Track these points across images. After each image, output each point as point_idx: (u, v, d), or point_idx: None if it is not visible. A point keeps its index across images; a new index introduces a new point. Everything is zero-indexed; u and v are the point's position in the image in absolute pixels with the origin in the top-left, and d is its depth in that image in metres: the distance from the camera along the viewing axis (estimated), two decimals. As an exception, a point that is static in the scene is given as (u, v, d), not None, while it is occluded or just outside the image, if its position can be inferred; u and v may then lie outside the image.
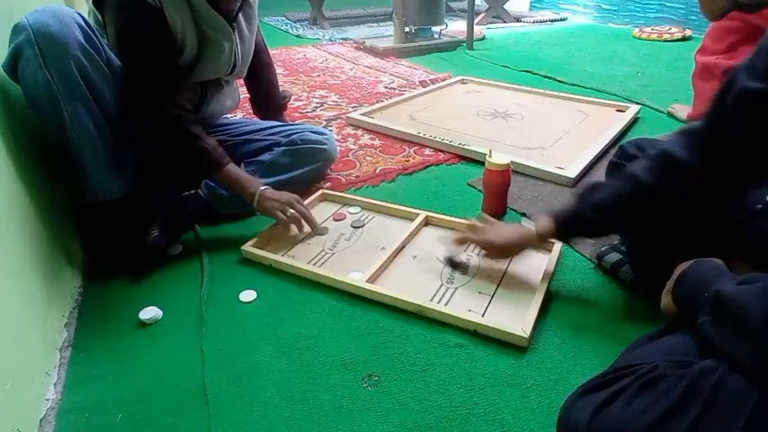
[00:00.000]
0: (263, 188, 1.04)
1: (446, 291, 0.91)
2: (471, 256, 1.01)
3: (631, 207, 0.75)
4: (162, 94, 0.98)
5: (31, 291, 0.77)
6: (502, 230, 0.91)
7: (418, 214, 1.12)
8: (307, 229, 1.07)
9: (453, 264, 0.97)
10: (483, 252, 0.95)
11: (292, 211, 1.04)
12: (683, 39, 2.94)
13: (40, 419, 0.68)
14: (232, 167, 1.04)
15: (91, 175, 0.94)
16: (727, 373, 0.49)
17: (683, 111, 1.70)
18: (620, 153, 0.91)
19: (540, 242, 0.89)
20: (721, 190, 0.66)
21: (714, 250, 0.66)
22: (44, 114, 0.87)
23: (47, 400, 0.71)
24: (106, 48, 0.94)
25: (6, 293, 0.69)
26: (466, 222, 1.01)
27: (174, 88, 1.01)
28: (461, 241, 0.95)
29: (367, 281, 0.91)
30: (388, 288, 0.90)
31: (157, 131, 1.00)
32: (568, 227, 0.83)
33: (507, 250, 0.91)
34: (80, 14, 0.89)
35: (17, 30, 0.83)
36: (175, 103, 1.00)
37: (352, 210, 1.18)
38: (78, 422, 0.69)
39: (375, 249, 1.03)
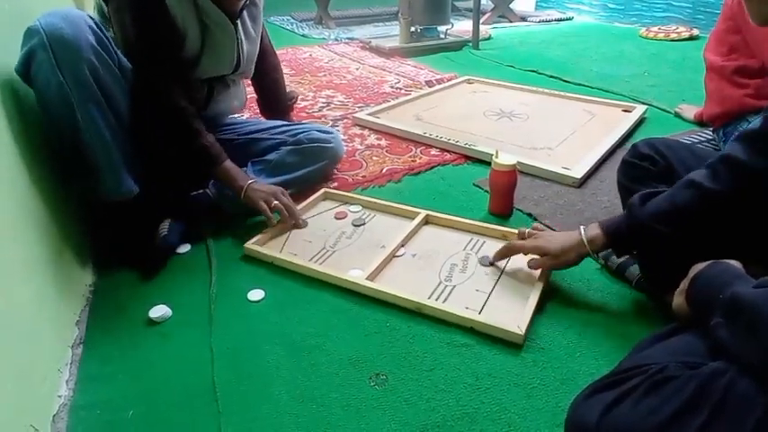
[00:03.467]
0: (250, 181, 1.07)
1: (444, 288, 0.92)
2: (470, 254, 1.01)
3: (699, 216, 0.72)
4: (165, 84, 0.99)
5: (42, 289, 0.78)
6: (556, 239, 0.87)
7: (418, 213, 1.12)
8: (291, 222, 1.10)
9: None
10: (531, 258, 0.91)
11: (276, 202, 1.07)
12: (691, 38, 2.93)
13: (53, 416, 0.69)
14: (228, 164, 1.06)
15: (103, 176, 0.95)
16: (738, 375, 0.49)
17: (691, 111, 1.70)
18: (633, 152, 0.90)
19: (593, 252, 0.85)
20: None
21: (740, 252, 0.65)
22: (57, 117, 0.89)
23: (59, 396, 0.72)
24: (117, 50, 0.95)
25: (19, 291, 0.70)
26: (515, 231, 0.99)
27: (178, 80, 1.02)
28: (512, 250, 0.93)
29: (367, 278, 0.92)
30: (387, 285, 0.91)
31: (159, 123, 1.02)
32: (623, 239, 0.80)
33: (562, 259, 0.86)
34: (91, 16, 0.90)
35: (30, 33, 0.83)
36: (180, 95, 1.01)
37: (353, 208, 1.19)
38: (90, 418, 0.70)
39: (376, 247, 1.04)
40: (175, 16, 0.98)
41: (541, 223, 1.12)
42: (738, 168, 0.68)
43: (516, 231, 0.99)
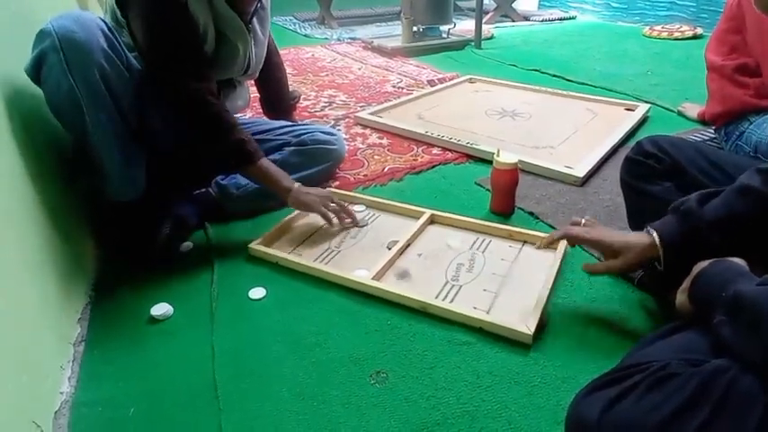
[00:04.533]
0: (297, 185, 1.06)
1: (451, 288, 0.92)
2: (477, 253, 1.01)
3: (756, 223, 0.69)
4: (196, 81, 0.97)
5: (45, 287, 0.78)
6: (620, 235, 0.78)
7: (423, 212, 1.12)
8: (348, 221, 1.10)
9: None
10: (592, 264, 0.82)
11: (333, 204, 1.07)
12: (694, 37, 2.92)
13: (55, 412, 0.69)
14: (266, 161, 1.04)
15: (109, 178, 0.95)
16: (740, 373, 0.49)
17: (694, 110, 1.69)
18: (637, 149, 0.89)
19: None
20: None
21: (745, 250, 0.64)
22: (66, 119, 0.89)
23: (61, 393, 0.73)
24: (127, 52, 0.95)
25: (22, 289, 0.71)
26: (534, 234, 0.94)
27: (206, 77, 1.01)
28: (572, 238, 0.83)
29: (372, 278, 0.92)
30: (393, 285, 0.91)
31: (192, 120, 0.99)
32: (678, 246, 0.72)
33: (628, 258, 0.76)
34: (102, 19, 0.90)
35: (42, 35, 0.84)
36: (210, 91, 1.00)
37: (357, 208, 1.19)
38: (91, 415, 0.70)
39: (380, 247, 1.04)
40: (197, 18, 0.97)
41: (543, 222, 1.12)
42: None
43: (532, 232, 0.95)
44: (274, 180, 1.04)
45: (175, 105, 0.98)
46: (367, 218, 1.16)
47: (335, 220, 1.07)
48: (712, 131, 1.50)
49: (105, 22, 0.90)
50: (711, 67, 1.39)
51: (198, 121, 0.99)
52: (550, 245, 0.88)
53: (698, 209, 0.71)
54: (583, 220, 0.86)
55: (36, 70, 0.85)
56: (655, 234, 0.74)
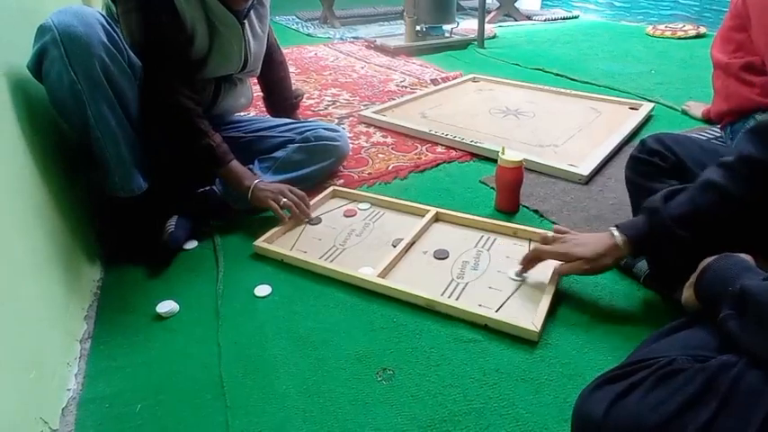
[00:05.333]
0: (256, 181, 1.07)
1: (457, 285, 0.91)
2: (482, 251, 1.01)
3: (720, 219, 0.70)
4: (174, 84, 0.99)
5: (51, 284, 0.79)
6: (588, 242, 0.81)
7: (428, 210, 1.12)
8: (300, 215, 1.10)
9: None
10: (560, 264, 0.85)
11: (285, 200, 1.07)
12: (698, 36, 2.91)
13: (62, 408, 0.70)
14: (234, 164, 1.06)
15: (112, 173, 0.95)
16: (746, 368, 0.49)
17: (698, 108, 1.69)
18: (641, 147, 0.89)
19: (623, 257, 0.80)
20: None
21: (751, 246, 0.64)
22: (68, 114, 0.89)
23: (68, 390, 0.73)
24: (128, 47, 0.95)
25: (28, 287, 0.71)
26: (539, 232, 0.94)
27: (186, 80, 1.03)
28: (537, 258, 0.88)
29: (378, 276, 0.92)
30: (398, 283, 0.91)
31: (166, 123, 1.02)
32: (645, 243, 0.76)
33: (599, 264, 0.80)
34: (102, 14, 0.90)
35: (42, 30, 0.84)
36: (187, 95, 1.01)
37: (362, 206, 1.19)
38: (98, 412, 0.71)
39: (386, 245, 1.04)
40: (184, 17, 0.98)
41: (548, 220, 1.12)
42: (757, 166, 0.66)
43: (537, 230, 0.95)
44: (238, 181, 1.06)
45: (154, 104, 1.00)
46: (373, 215, 1.15)
47: (285, 218, 1.08)
48: (717, 130, 1.49)
49: (105, 17, 0.91)
50: (717, 66, 1.38)
51: (170, 122, 1.02)
52: (529, 266, 0.90)
53: (662, 206, 0.73)
54: (550, 236, 0.88)
55: (37, 65, 0.86)
56: (618, 235, 0.78)
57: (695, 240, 0.71)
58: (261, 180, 1.08)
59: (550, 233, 0.89)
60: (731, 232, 0.71)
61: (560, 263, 0.85)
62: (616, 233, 0.79)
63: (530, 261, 0.89)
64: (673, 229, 0.72)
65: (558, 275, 0.89)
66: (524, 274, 0.92)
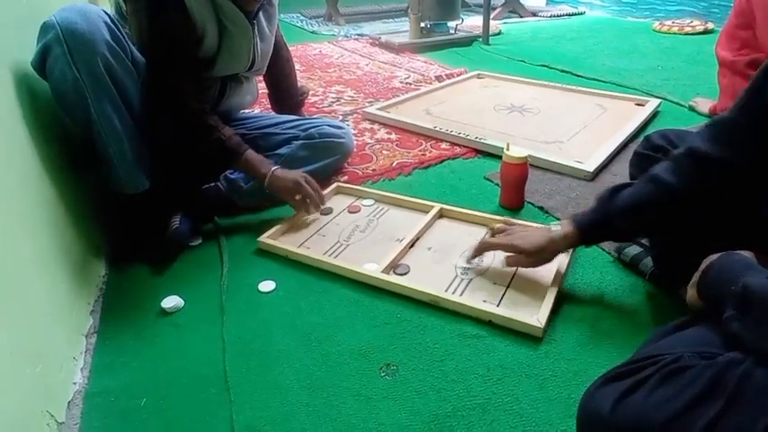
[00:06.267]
0: (273, 168, 1.06)
1: (461, 282, 0.91)
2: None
3: (660, 212, 0.72)
4: (181, 84, 0.99)
5: (57, 279, 0.79)
6: (530, 237, 0.85)
7: (432, 206, 1.12)
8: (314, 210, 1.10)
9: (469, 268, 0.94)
10: (507, 255, 0.88)
11: (298, 197, 1.06)
12: (705, 32, 2.88)
13: (68, 402, 0.70)
14: (250, 154, 1.05)
15: (116, 170, 0.96)
16: (754, 366, 0.48)
17: (705, 104, 1.67)
18: (645, 144, 0.89)
19: (565, 248, 0.85)
20: (759, 185, 0.63)
21: (745, 244, 0.64)
22: (72, 111, 0.90)
23: (74, 383, 0.73)
24: (131, 44, 0.96)
25: (35, 282, 0.72)
26: (490, 224, 0.97)
27: (194, 80, 1.03)
28: (485, 248, 0.91)
29: (382, 272, 0.92)
30: (403, 278, 0.91)
31: (175, 123, 1.02)
32: (592, 234, 0.80)
33: (537, 257, 0.85)
34: (105, 12, 0.91)
35: (45, 28, 0.84)
36: (194, 95, 1.01)
37: (366, 202, 1.19)
38: (104, 405, 0.71)
39: (390, 241, 1.04)
40: (194, 17, 0.98)
41: (553, 216, 1.12)
42: (701, 161, 0.66)
43: (540, 227, 0.95)
44: (254, 168, 1.05)
45: (162, 104, 1.00)
46: (377, 210, 1.15)
47: (300, 211, 1.09)
48: (724, 126, 1.48)
49: (109, 15, 0.91)
50: (723, 63, 1.37)
51: (180, 121, 1.01)
52: (476, 256, 0.93)
53: (609, 198, 0.76)
54: (497, 227, 0.93)
55: (41, 63, 0.86)
56: (558, 228, 0.82)
57: (634, 232, 0.77)
58: (278, 168, 1.06)
59: (498, 225, 0.93)
60: (680, 226, 0.72)
61: (508, 255, 0.88)
62: (554, 226, 0.83)
63: (477, 251, 0.91)
64: (614, 220, 0.75)
65: (563, 270, 0.89)
66: (473, 263, 0.94)
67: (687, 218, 0.71)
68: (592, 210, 0.80)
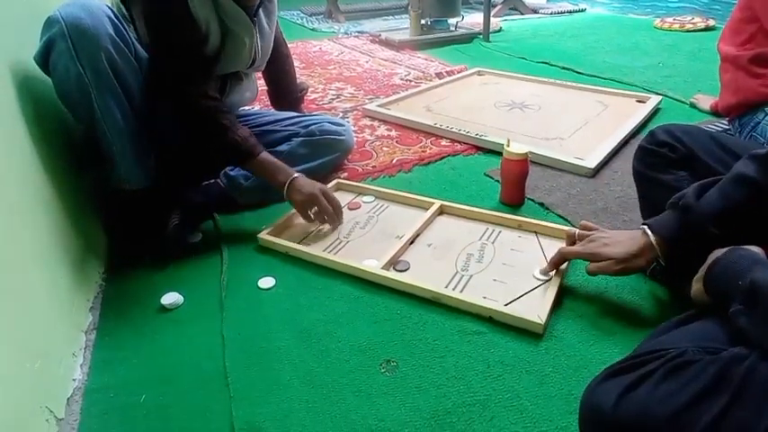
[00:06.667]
0: (295, 176, 1.03)
1: (461, 278, 0.91)
2: (487, 244, 1.00)
3: (754, 213, 0.68)
4: (193, 84, 0.98)
5: (57, 275, 0.79)
6: (618, 242, 0.77)
7: (433, 203, 1.12)
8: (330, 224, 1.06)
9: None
10: (593, 264, 0.80)
11: (315, 209, 1.03)
12: (707, 29, 2.87)
13: (68, 398, 0.70)
14: (265, 156, 1.03)
15: (118, 165, 0.96)
16: (759, 361, 0.48)
17: (706, 101, 1.67)
18: (650, 138, 0.88)
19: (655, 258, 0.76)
20: None
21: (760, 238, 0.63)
22: (75, 106, 0.89)
23: (73, 380, 0.73)
24: (134, 40, 0.95)
25: (34, 278, 0.71)
26: (565, 230, 0.90)
27: (204, 79, 1.02)
28: (565, 258, 0.85)
29: (382, 268, 0.91)
30: (403, 275, 0.90)
31: (188, 122, 1.01)
32: (680, 242, 0.72)
33: (627, 264, 0.76)
34: (109, 7, 0.90)
35: (50, 22, 0.84)
36: (206, 93, 1.00)
37: (366, 199, 1.19)
38: (104, 401, 0.71)
39: (390, 238, 1.03)
40: (198, 18, 0.97)
41: (553, 213, 1.11)
42: None
43: (542, 223, 0.94)
44: (271, 175, 1.03)
45: (174, 105, 0.99)
46: (377, 207, 1.15)
47: (314, 226, 1.06)
48: (725, 123, 1.47)
49: (113, 10, 0.90)
50: (725, 58, 1.36)
51: (193, 123, 1.00)
52: (556, 268, 0.88)
53: (696, 203, 0.70)
54: (577, 233, 0.86)
55: (44, 58, 0.86)
56: (651, 234, 0.74)
57: (722, 235, 0.68)
58: (298, 176, 1.03)
59: (577, 230, 0.86)
60: (760, 227, 0.68)
61: (590, 263, 0.81)
62: (650, 232, 0.74)
63: (555, 264, 0.87)
64: (706, 226, 0.69)
65: (557, 263, 0.87)
66: (550, 274, 0.89)
67: None
68: (673, 215, 0.73)
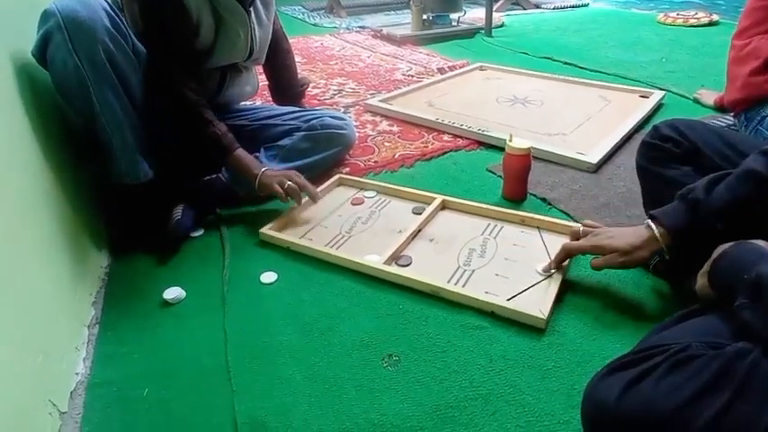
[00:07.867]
0: (264, 169, 1.05)
1: (463, 273, 0.91)
2: (489, 239, 1.00)
3: (762, 209, 0.68)
4: (179, 75, 0.99)
5: (59, 270, 0.79)
6: (621, 235, 0.78)
7: (435, 198, 1.12)
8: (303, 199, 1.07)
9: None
10: (596, 258, 0.81)
11: (290, 183, 1.04)
12: (710, 24, 2.85)
13: (71, 392, 0.70)
14: (240, 152, 1.05)
15: (118, 159, 0.96)
16: (762, 356, 0.48)
17: (710, 96, 1.66)
18: (654, 133, 0.87)
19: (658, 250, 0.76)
20: None
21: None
22: (73, 99, 0.89)
23: (76, 374, 0.73)
24: (132, 33, 0.95)
25: (37, 273, 0.71)
26: (547, 220, 0.92)
27: (191, 71, 1.02)
28: (570, 254, 0.86)
29: (384, 263, 0.91)
30: (405, 270, 0.90)
31: (172, 113, 1.02)
32: (686, 235, 0.72)
33: (630, 256, 0.77)
34: (106, 0, 0.90)
35: (46, 16, 0.84)
36: (192, 87, 1.01)
37: (368, 194, 1.19)
38: (106, 395, 0.71)
39: (392, 232, 1.03)
40: (189, 7, 0.97)
41: (556, 208, 1.11)
42: None
43: (544, 218, 0.94)
44: (245, 169, 1.04)
45: (159, 93, 1.00)
46: (379, 202, 1.15)
47: (289, 201, 1.06)
48: (729, 118, 1.47)
49: (109, 3, 0.90)
50: (742, 49, 1.34)
51: (178, 112, 1.01)
52: (560, 265, 0.88)
53: (705, 197, 0.70)
54: (581, 230, 0.86)
55: (42, 51, 0.86)
56: (655, 227, 0.74)
57: (728, 230, 0.68)
58: (268, 169, 1.07)
59: (580, 227, 0.86)
60: (763, 221, 0.68)
61: (595, 257, 0.81)
62: (653, 224, 0.75)
63: (559, 261, 0.87)
64: (713, 220, 0.69)
65: (560, 260, 0.87)
66: (552, 271, 0.88)
67: None
68: (681, 207, 0.73)
